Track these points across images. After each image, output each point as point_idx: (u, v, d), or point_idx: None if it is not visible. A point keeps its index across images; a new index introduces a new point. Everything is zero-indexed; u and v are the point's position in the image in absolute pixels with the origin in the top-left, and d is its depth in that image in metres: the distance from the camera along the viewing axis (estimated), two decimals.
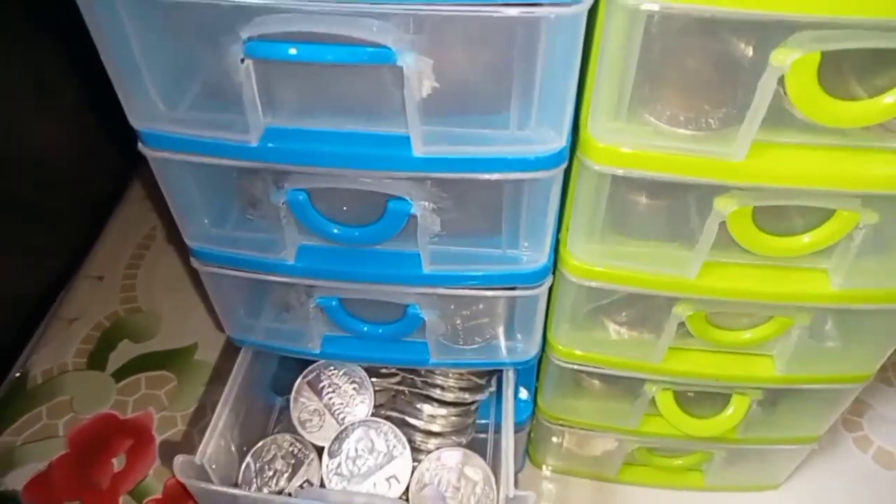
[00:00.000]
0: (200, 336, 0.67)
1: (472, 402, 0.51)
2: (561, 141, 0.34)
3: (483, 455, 0.49)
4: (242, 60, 0.32)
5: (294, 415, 0.50)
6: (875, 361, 0.43)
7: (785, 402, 0.48)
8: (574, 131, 0.35)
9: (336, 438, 0.48)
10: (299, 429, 0.50)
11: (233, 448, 0.48)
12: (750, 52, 0.31)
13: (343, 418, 0.50)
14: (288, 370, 0.52)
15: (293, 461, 0.49)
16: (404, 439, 0.48)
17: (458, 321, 0.45)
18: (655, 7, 0.29)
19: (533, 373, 0.50)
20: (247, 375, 0.49)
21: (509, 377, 0.49)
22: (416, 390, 0.50)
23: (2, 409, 0.61)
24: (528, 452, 0.58)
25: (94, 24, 0.32)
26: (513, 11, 0.29)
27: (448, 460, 0.48)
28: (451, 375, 0.50)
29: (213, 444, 0.45)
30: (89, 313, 0.69)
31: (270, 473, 0.48)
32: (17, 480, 0.56)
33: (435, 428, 0.49)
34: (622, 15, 0.30)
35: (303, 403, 0.50)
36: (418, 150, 0.34)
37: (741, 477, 0.55)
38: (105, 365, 0.65)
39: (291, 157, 0.35)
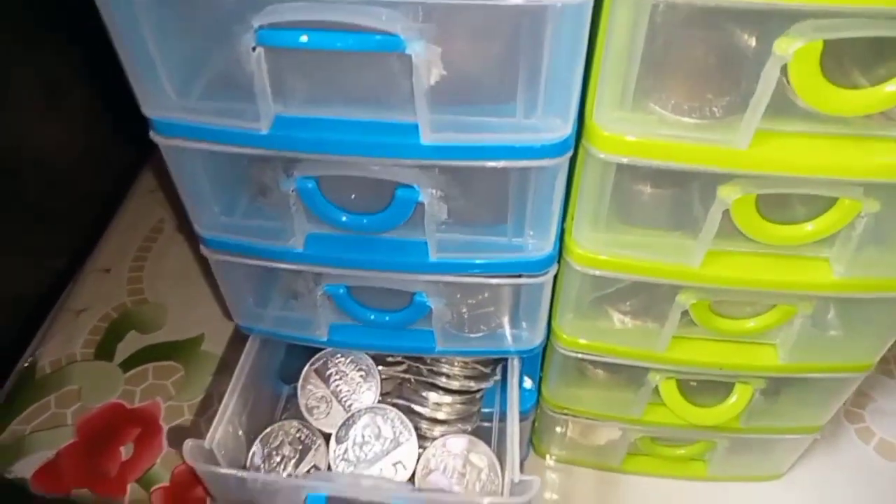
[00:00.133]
0: (207, 327, 0.67)
1: (477, 391, 0.51)
2: (566, 129, 0.34)
3: (488, 443, 0.50)
4: (254, 49, 0.32)
5: (301, 402, 0.51)
6: (877, 350, 0.44)
7: (787, 391, 0.48)
8: (579, 120, 0.35)
9: (343, 425, 0.49)
10: (307, 415, 0.50)
11: (241, 434, 0.48)
12: (753, 41, 0.31)
13: (350, 405, 0.50)
14: (295, 358, 0.53)
15: (300, 447, 0.49)
16: (410, 426, 0.48)
17: (464, 309, 0.46)
18: None
19: (537, 362, 0.51)
20: (255, 363, 0.50)
21: (514, 365, 0.49)
22: (422, 378, 0.51)
23: (11, 399, 0.62)
24: (532, 442, 0.59)
25: (109, 13, 0.33)
26: (519, 0, 0.30)
27: (453, 447, 0.48)
28: (456, 364, 0.51)
29: (222, 429, 0.45)
30: (97, 305, 0.70)
31: (278, 459, 0.49)
32: (26, 468, 0.57)
33: (440, 415, 0.50)
34: (627, 4, 0.30)
35: (310, 391, 0.51)
36: (426, 137, 0.34)
37: (744, 467, 0.55)
38: (113, 355, 0.65)
39: (301, 144, 0.36)
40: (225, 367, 0.64)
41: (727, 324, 0.43)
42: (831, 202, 0.36)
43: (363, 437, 0.48)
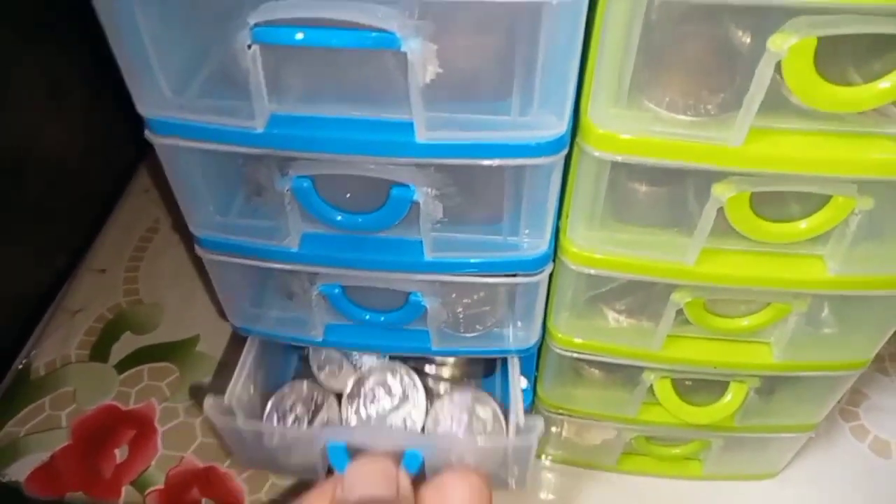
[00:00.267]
0: (202, 328, 0.67)
1: None
2: (562, 127, 0.35)
3: None
4: (249, 46, 0.32)
5: (313, 363, 0.53)
6: (871, 348, 0.44)
7: (782, 389, 0.48)
8: (574, 118, 0.36)
9: (354, 383, 0.50)
10: (318, 375, 0.52)
11: (256, 395, 0.50)
12: (748, 38, 0.31)
13: (360, 364, 0.52)
14: None
15: (313, 406, 0.51)
16: (419, 381, 0.50)
17: (460, 309, 0.46)
18: None
19: (533, 361, 0.51)
20: None
21: (514, 367, 0.49)
22: None
23: (5, 401, 0.62)
24: None
25: (105, 11, 0.33)
26: None
27: (459, 401, 0.50)
28: None
29: (241, 386, 0.47)
30: (92, 306, 0.69)
31: (291, 418, 0.50)
32: (20, 471, 0.57)
33: (445, 372, 0.52)
34: (623, 1, 0.30)
35: (321, 351, 0.53)
36: (421, 135, 0.34)
37: (739, 465, 0.55)
38: (108, 356, 0.65)
39: (296, 143, 0.36)
40: (220, 368, 0.64)
41: (722, 322, 0.43)
42: (825, 199, 0.36)
43: (374, 394, 0.50)
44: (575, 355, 0.47)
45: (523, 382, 0.52)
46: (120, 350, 0.66)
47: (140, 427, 0.60)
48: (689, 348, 0.45)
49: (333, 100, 0.35)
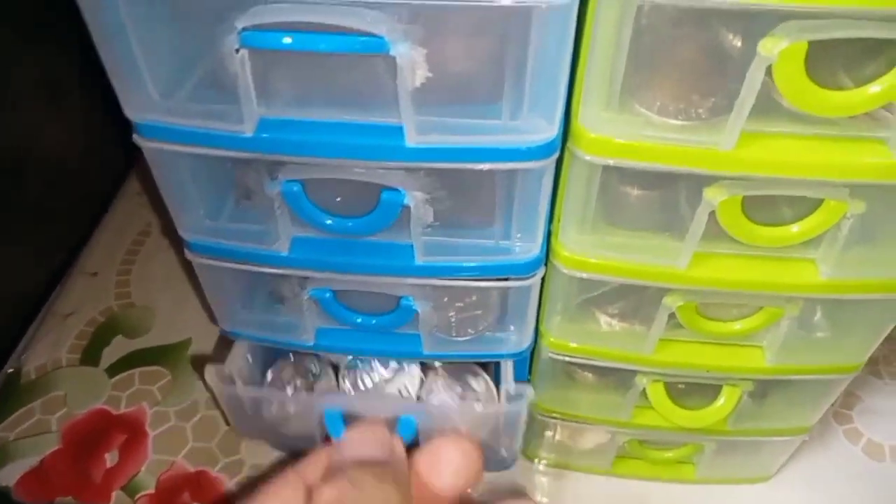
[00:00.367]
0: (194, 331, 0.67)
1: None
2: (552, 131, 0.34)
3: None
4: (237, 50, 0.32)
5: None
6: (864, 352, 0.44)
7: (775, 393, 0.48)
8: (565, 122, 0.35)
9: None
10: None
11: (255, 365, 0.51)
12: (739, 42, 0.31)
13: None
14: None
15: (311, 377, 0.51)
16: None
17: (451, 313, 0.45)
18: None
19: (525, 365, 0.50)
20: None
21: (507, 372, 0.49)
22: None
23: None
24: (521, 445, 0.58)
25: (92, 15, 0.32)
26: (504, 2, 0.30)
27: (453, 372, 0.51)
28: None
29: (241, 355, 0.49)
30: (83, 309, 0.69)
31: (290, 389, 0.51)
32: (9, 476, 0.56)
33: None
34: (613, 5, 0.30)
35: None
36: (411, 139, 0.34)
37: (732, 469, 0.55)
38: (99, 360, 0.65)
39: (285, 147, 0.36)
40: None
41: (714, 326, 0.43)
42: (817, 203, 0.36)
43: (370, 364, 0.51)
44: (567, 359, 0.47)
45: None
46: (111, 354, 0.65)
47: (131, 431, 0.60)
48: (681, 352, 0.45)
49: (323, 103, 0.35)
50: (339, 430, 0.46)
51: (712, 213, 0.36)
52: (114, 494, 0.56)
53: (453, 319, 0.46)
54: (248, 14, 0.31)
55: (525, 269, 0.41)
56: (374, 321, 0.46)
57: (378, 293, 0.43)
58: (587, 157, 0.35)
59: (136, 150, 0.37)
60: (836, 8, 0.28)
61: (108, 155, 0.79)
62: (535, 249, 0.40)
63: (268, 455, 0.57)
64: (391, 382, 0.51)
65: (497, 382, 0.51)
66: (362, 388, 0.51)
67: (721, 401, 0.48)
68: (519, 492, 0.54)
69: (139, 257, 0.74)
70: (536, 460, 0.58)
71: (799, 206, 0.36)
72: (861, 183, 0.34)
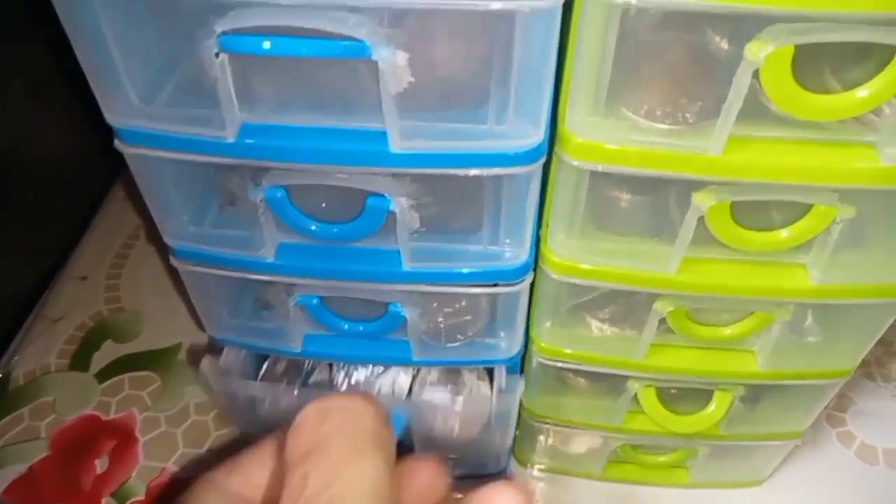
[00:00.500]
0: (184, 336, 0.66)
1: None
2: (539, 136, 0.34)
3: None
4: (217, 55, 0.31)
5: None
6: (855, 356, 0.43)
7: (767, 397, 0.48)
8: (552, 126, 0.35)
9: None
10: None
11: (249, 359, 0.51)
12: (725, 45, 0.31)
13: None
14: None
15: (304, 372, 0.52)
16: None
17: (440, 319, 0.45)
18: (631, 1, 0.29)
19: (516, 370, 0.50)
20: None
21: (500, 377, 0.49)
22: None
23: None
24: (514, 451, 0.58)
25: (69, 19, 0.32)
26: (489, 5, 0.29)
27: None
28: None
29: (235, 351, 0.49)
30: (73, 313, 0.69)
31: (284, 383, 0.51)
32: None
33: None
34: (597, 9, 0.30)
35: None
36: (396, 145, 0.34)
37: (725, 473, 0.55)
38: (88, 366, 0.64)
39: (268, 153, 0.35)
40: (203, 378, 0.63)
41: (705, 331, 0.43)
42: (807, 208, 0.35)
43: None
44: (558, 364, 0.46)
45: None
46: (101, 359, 0.65)
47: (121, 437, 0.59)
48: (672, 357, 0.45)
49: (306, 108, 0.35)
50: None
51: (701, 218, 0.35)
52: (104, 501, 0.55)
53: (442, 325, 0.45)
54: (227, 17, 0.30)
55: (514, 275, 0.41)
56: (361, 327, 0.45)
57: (366, 299, 0.43)
58: (574, 162, 0.34)
59: (122, 155, 0.37)
60: (822, 12, 0.27)
61: (97, 158, 0.78)
62: (524, 255, 0.40)
63: None
64: (384, 375, 0.51)
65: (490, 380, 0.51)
66: (354, 381, 0.51)
67: (713, 406, 0.47)
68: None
69: (128, 261, 0.74)
70: (529, 465, 0.58)
71: (788, 210, 0.36)
72: (850, 188, 0.34)
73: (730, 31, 0.30)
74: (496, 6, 0.29)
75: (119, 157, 0.37)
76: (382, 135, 0.34)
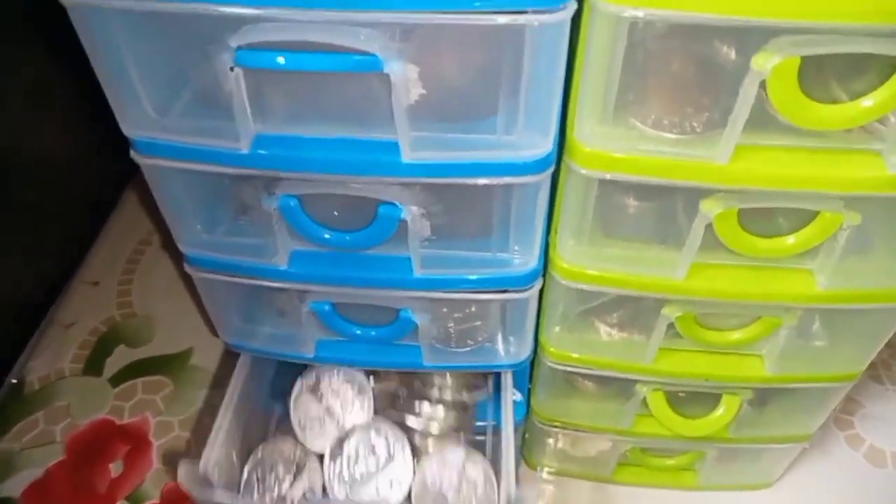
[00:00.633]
0: (196, 341, 0.67)
1: (470, 402, 0.51)
2: (548, 146, 0.34)
3: (483, 455, 0.49)
4: (232, 69, 0.32)
5: (294, 420, 0.50)
6: (862, 361, 0.44)
7: (775, 401, 0.48)
8: (561, 136, 0.35)
9: (336, 442, 0.48)
10: (299, 434, 0.50)
11: (234, 455, 0.48)
12: (732, 56, 0.31)
13: (343, 422, 0.49)
14: (286, 375, 0.52)
15: (294, 467, 0.48)
16: (405, 440, 0.48)
17: (451, 324, 0.45)
18: (638, 14, 0.29)
19: (526, 375, 0.50)
20: (246, 382, 0.49)
21: (507, 380, 0.49)
22: (415, 392, 0.51)
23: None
24: (523, 454, 0.59)
25: (87, 35, 0.33)
26: (497, 19, 0.30)
27: (449, 459, 0.48)
28: (448, 376, 0.51)
29: (216, 451, 0.45)
30: (85, 319, 0.69)
31: (272, 479, 0.48)
32: (14, 487, 0.57)
33: (434, 429, 0.50)
34: (605, 22, 0.30)
35: (302, 408, 0.50)
36: (407, 155, 0.34)
37: (734, 476, 0.55)
38: (101, 370, 0.65)
39: (282, 163, 0.36)
40: (214, 382, 0.64)
41: (713, 336, 0.43)
42: (813, 215, 0.36)
43: (357, 453, 0.48)
44: (567, 369, 0.47)
45: (517, 396, 0.52)
46: (114, 364, 0.66)
47: (135, 441, 0.60)
48: (681, 361, 0.45)
49: (318, 120, 0.35)
50: None
51: (709, 225, 0.36)
52: None
53: (452, 331, 0.46)
54: (241, 32, 0.31)
55: (523, 281, 0.41)
56: (373, 333, 0.46)
57: (377, 306, 0.43)
58: (583, 171, 0.35)
59: (135, 161, 0.38)
60: (827, 24, 0.28)
61: (108, 164, 0.79)
62: (533, 261, 0.41)
63: None
64: (381, 473, 0.47)
65: (497, 396, 0.50)
66: (349, 478, 0.47)
67: (721, 409, 0.48)
68: None
69: (140, 266, 0.75)
70: (539, 468, 0.58)
71: (795, 217, 0.36)
72: (856, 195, 0.34)
73: (736, 42, 0.31)
74: (506, 21, 0.30)
75: (130, 164, 0.37)
76: (394, 145, 0.34)
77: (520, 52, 0.31)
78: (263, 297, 0.47)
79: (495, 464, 0.47)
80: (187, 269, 0.44)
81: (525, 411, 0.53)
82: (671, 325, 0.42)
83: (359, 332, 0.46)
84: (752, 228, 0.37)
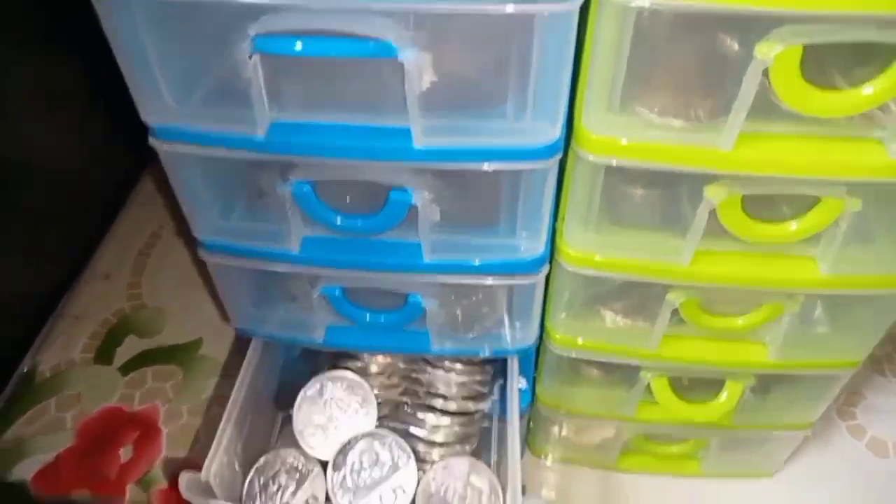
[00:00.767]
0: (206, 332, 0.68)
1: (475, 411, 0.51)
2: (556, 132, 0.35)
3: (488, 445, 0.50)
4: (250, 56, 0.33)
5: (297, 428, 0.49)
6: (864, 347, 0.44)
7: (778, 387, 0.49)
8: (569, 123, 0.36)
9: (340, 451, 0.48)
10: (302, 442, 0.49)
11: (237, 464, 0.47)
12: (735, 45, 0.32)
13: (346, 431, 0.49)
14: (290, 383, 0.52)
15: (297, 476, 0.48)
16: (409, 449, 0.47)
17: (458, 310, 0.46)
18: (645, 3, 0.30)
19: (531, 361, 0.51)
20: (250, 389, 0.49)
21: (513, 366, 0.50)
22: (419, 401, 0.51)
23: (11, 403, 0.62)
24: (528, 441, 0.59)
25: (110, 25, 0.34)
26: (508, 9, 0.31)
27: (454, 469, 0.47)
28: (453, 385, 0.51)
29: (218, 460, 0.44)
30: (96, 310, 0.70)
31: (275, 488, 0.47)
32: (26, 471, 0.57)
33: (438, 438, 0.49)
34: (613, 11, 0.31)
35: (305, 417, 0.50)
36: (418, 141, 0.35)
37: (737, 464, 0.56)
38: (112, 359, 0.66)
39: (296, 149, 0.37)
40: (224, 372, 0.65)
41: (717, 322, 0.44)
42: (816, 201, 0.36)
43: (360, 462, 0.47)
44: (573, 355, 0.47)
45: (522, 383, 0.52)
46: (124, 353, 0.67)
47: (144, 428, 0.61)
48: (685, 347, 0.46)
49: (333, 107, 0.36)
50: None
51: (713, 212, 0.37)
52: (128, 489, 0.57)
53: (460, 316, 0.47)
54: (260, 21, 0.32)
55: (530, 267, 0.42)
56: (382, 318, 0.46)
57: (387, 291, 0.44)
58: (590, 158, 0.36)
59: (147, 154, 0.38)
60: (829, 13, 0.29)
61: (119, 158, 0.80)
62: (540, 247, 0.41)
63: None
64: (386, 482, 0.46)
65: (504, 383, 0.51)
66: (352, 487, 0.46)
67: (724, 395, 0.48)
68: None
69: (150, 259, 0.75)
70: (543, 456, 0.59)
71: (798, 203, 0.37)
72: (858, 181, 0.35)
73: (740, 31, 0.31)
74: (516, 10, 0.31)
75: (141, 159, 0.38)
76: (406, 132, 0.35)
77: (529, 41, 0.32)
78: (275, 282, 0.47)
79: (500, 464, 0.47)
80: (201, 254, 0.45)
81: (530, 399, 0.54)
82: (675, 311, 0.43)
83: (368, 316, 0.46)
84: (756, 215, 0.37)
